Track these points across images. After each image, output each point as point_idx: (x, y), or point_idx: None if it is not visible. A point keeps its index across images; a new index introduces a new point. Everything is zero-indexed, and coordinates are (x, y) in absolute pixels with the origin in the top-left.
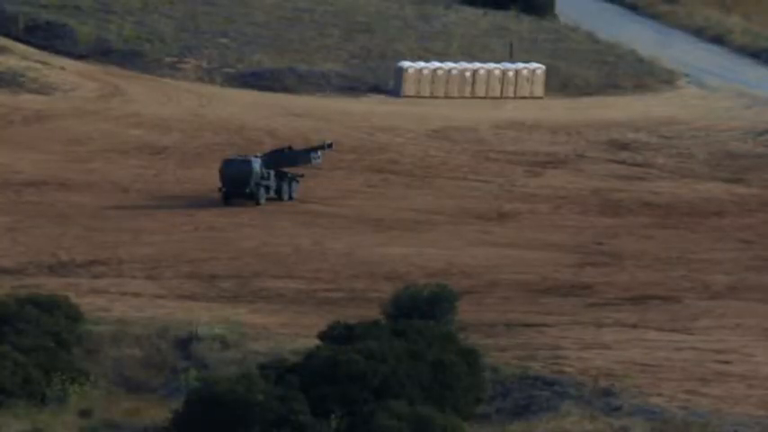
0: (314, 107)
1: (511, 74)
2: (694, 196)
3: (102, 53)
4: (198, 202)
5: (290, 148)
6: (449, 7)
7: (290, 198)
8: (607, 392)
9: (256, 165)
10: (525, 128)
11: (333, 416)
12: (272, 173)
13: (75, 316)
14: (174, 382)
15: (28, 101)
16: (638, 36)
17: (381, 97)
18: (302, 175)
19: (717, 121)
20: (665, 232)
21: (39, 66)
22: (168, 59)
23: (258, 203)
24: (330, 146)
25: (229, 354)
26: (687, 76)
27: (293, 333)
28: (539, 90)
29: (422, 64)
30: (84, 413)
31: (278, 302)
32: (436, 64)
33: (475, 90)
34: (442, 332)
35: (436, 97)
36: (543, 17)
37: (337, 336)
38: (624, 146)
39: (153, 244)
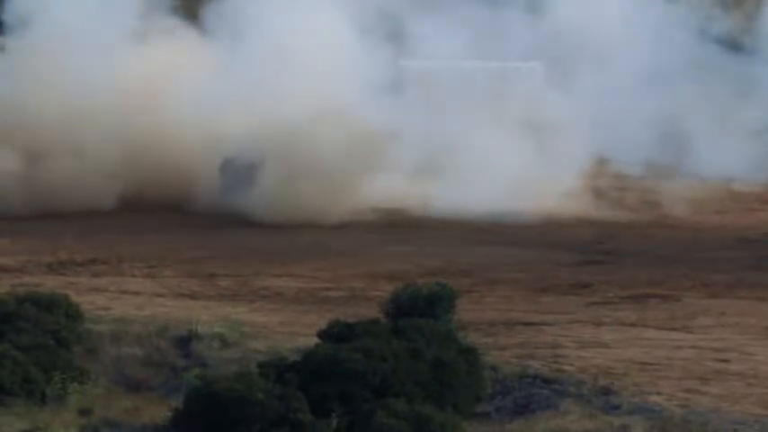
0: None
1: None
2: (694, 194)
3: None
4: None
5: None
6: None
7: None
8: (606, 391)
9: None
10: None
11: (333, 414)
12: None
13: (74, 314)
14: (173, 381)
15: None
16: None
17: None
18: None
19: None
20: (664, 230)
21: None
22: None
23: None
24: None
25: (229, 352)
26: None
27: (293, 332)
28: None
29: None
30: (84, 412)
31: (277, 301)
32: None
33: None
34: (441, 331)
35: None
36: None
37: (337, 334)
38: None
39: (153, 242)
